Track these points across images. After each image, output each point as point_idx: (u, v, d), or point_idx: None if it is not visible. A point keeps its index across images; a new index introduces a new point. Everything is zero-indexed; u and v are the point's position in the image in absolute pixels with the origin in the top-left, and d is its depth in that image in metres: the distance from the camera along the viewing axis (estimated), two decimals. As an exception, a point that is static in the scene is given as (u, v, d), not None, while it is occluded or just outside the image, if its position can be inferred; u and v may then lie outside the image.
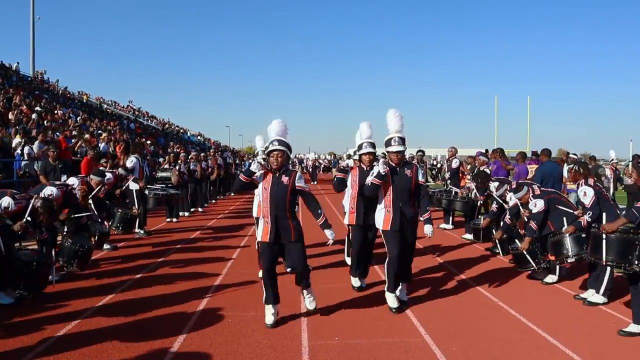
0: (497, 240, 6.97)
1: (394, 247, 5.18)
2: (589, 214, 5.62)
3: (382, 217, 5.28)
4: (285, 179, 4.69)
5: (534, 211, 6.28)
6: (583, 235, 5.62)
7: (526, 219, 6.59)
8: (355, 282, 5.98)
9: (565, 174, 9.84)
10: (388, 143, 5.21)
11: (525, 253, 6.35)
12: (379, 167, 5.07)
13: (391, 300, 5.25)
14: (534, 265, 6.37)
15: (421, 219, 5.34)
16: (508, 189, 7.29)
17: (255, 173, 4.70)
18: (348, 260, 6.81)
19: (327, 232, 4.86)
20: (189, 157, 14.27)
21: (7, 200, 5.52)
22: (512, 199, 6.87)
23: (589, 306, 5.50)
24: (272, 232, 4.67)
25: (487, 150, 18.14)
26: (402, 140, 5.19)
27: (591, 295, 5.65)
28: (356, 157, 6.29)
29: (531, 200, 6.39)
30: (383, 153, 5.65)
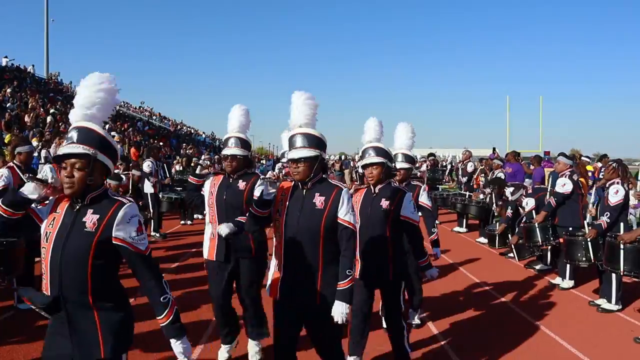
0: (512, 246, 6.93)
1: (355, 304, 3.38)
2: (607, 214, 5.38)
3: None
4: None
5: (559, 190, 6.12)
6: (601, 242, 5.54)
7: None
8: None
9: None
10: (362, 156, 3.72)
11: (536, 226, 6.24)
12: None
13: None
14: (540, 241, 6.22)
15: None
16: (524, 194, 7.25)
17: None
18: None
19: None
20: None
21: (47, 168, 6.49)
22: (528, 204, 6.83)
23: (605, 313, 5.47)
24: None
25: (494, 149, 18.06)
26: (377, 152, 3.58)
27: (604, 302, 5.62)
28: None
29: (564, 177, 6.21)
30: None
